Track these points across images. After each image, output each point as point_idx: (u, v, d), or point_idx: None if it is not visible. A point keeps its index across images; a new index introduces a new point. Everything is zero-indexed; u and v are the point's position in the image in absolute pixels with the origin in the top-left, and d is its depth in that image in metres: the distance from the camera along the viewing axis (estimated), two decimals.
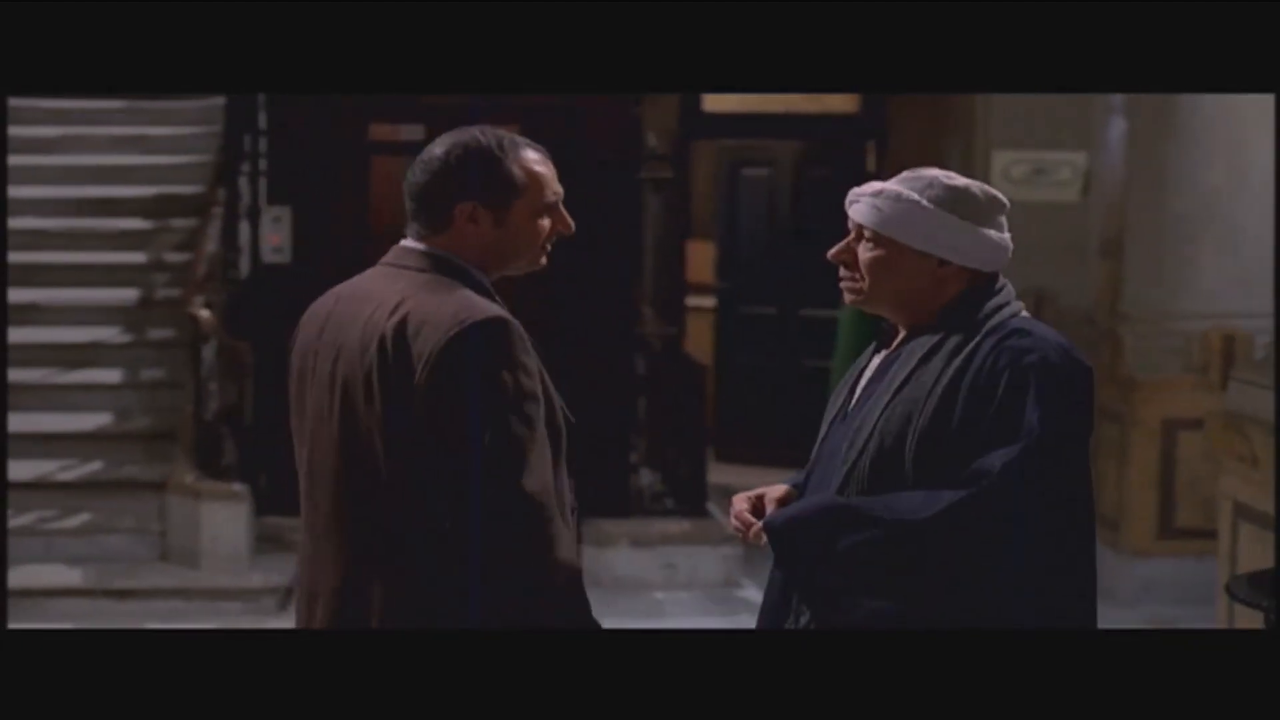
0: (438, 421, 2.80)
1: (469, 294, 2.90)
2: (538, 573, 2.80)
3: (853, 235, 3.13)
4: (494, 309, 2.86)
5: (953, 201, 3.07)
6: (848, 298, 3.17)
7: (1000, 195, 3.14)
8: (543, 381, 2.88)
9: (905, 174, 3.13)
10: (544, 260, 3.06)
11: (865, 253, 3.10)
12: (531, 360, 2.86)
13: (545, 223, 3.01)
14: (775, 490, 3.18)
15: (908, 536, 2.92)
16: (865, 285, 3.11)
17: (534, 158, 3.00)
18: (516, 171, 2.97)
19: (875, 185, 3.11)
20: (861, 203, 3.10)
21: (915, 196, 3.06)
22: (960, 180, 3.10)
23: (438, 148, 2.99)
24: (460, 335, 2.81)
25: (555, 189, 3.02)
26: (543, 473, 2.82)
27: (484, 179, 2.95)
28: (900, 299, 3.10)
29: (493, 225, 2.97)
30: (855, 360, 3.31)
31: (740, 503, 3.16)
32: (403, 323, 2.84)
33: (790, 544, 3.03)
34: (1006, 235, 3.12)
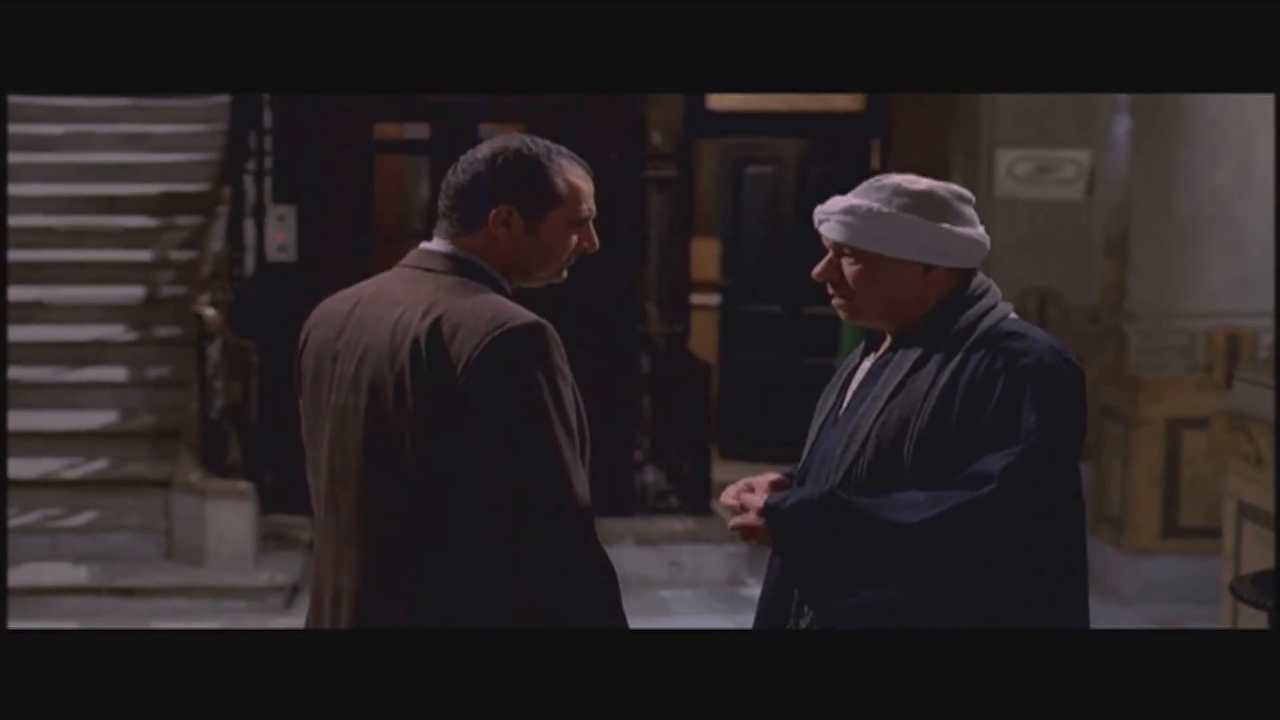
0: (477, 425, 2.81)
1: (500, 298, 2.91)
2: (586, 574, 2.84)
3: (832, 254, 3.13)
4: (530, 314, 2.87)
5: (921, 206, 3.07)
6: (841, 314, 3.17)
7: (963, 190, 3.14)
8: (573, 387, 2.89)
9: (865, 185, 3.13)
10: (564, 275, 3.08)
11: (849, 268, 3.10)
12: (567, 366, 2.87)
13: (574, 237, 3.03)
14: (768, 476, 3.18)
15: (910, 533, 2.93)
16: (856, 301, 3.12)
17: (578, 172, 3.02)
18: (559, 182, 2.99)
19: (841, 202, 3.11)
20: (833, 221, 3.10)
21: (884, 207, 3.07)
22: (922, 182, 3.10)
23: (484, 149, 3.01)
24: (500, 339, 2.81)
25: (590, 205, 3.04)
26: (583, 477, 2.86)
27: (525, 184, 2.97)
28: (892, 308, 3.11)
29: (524, 232, 2.99)
30: None
31: (732, 490, 3.16)
32: (437, 325, 2.84)
33: (792, 528, 3.02)
34: (980, 228, 3.12)
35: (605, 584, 2.87)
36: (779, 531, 3.04)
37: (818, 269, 3.14)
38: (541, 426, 2.81)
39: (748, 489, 3.14)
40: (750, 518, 3.06)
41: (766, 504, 3.05)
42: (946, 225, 3.07)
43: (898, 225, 3.05)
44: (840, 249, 3.11)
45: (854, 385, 3.18)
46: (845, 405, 3.17)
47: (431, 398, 2.83)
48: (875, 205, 3.07)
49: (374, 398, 2.90)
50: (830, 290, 3.14)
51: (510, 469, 2.80)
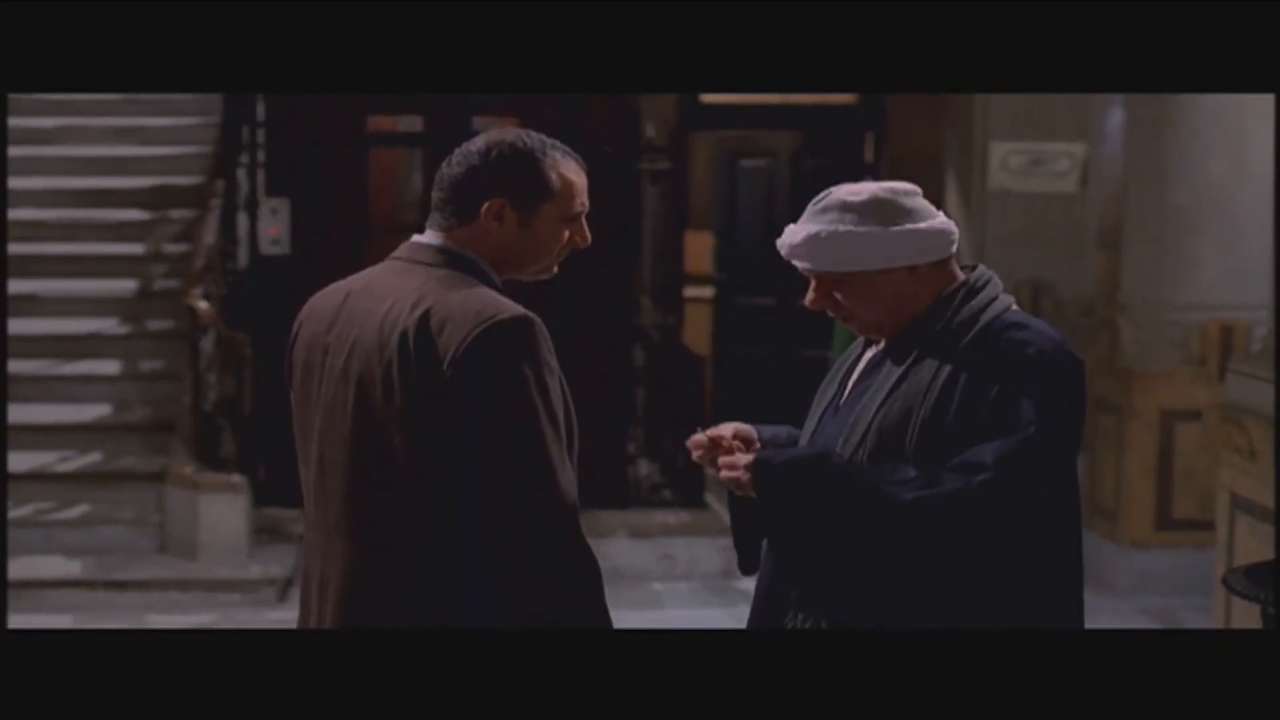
0: (464, 419, 2.81)
1: (489, 292, 2.91)
2: (570, 569, 2.84)
3: (815, 283, 3.13)
4: (518, 307, 2.87)
5: (874, 215, 3.06)
6: (853, 330, 3.18)
7: (904, 185, 3.14)
8: (560, 380, 2.89)
9: (810, 210, 3.12)
10: (555, 269, 3.08)
11: (837, 291, 3.11)
12: (554, 359, 2.87)
13: (566, 232, 3.03)
14: (730, 426, 3.17)
15: (900, 510, 2.92)
16: (858, 317, 3.12)
17: (571, 166, 3.02)
18: (552, 176, 2.99)
19: (797, 233, 3.11)
20: (801, 257, 3.11)
21: (840, 227, 3.06)
22: (863, 191, 3.10)
23: (479, 142, 3.01)
24: (486, 333, 2.82)
25: (583, 200, 3.04)
26: (570, 471, 2.86)
27: (519, 178, 2.97)
28: (893, 314, 3.10)
29: (516, 225, 2.99)
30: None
31: (700, 436, 3.14)
32: (425, 318, 2.85)
33: (780, 483, 3.01)
34: (939, 215, 3.12)
35: (589, 580, 2.86)
36: (766, 486, 3.03)
37: (809, 299, 3.15)
38: (527, 420, 2.81)
39: (717, 442, 3.13)
40: (739, 473, 3.06)
41: (757, 458, 3.04)
42: (908, 225, 3.07)
43: (862, 241, 3.05)
44: (821, 277, 3.11)
45: (855, 376, 3.18)
46: (846, 396, 3.17)
47: (419, 391, 2.84)
48: (830, 228, 3.07)
49: (362, 391, 2.90)
50: (831, 314, 3.15)
51: (496, 462, 2.80)
